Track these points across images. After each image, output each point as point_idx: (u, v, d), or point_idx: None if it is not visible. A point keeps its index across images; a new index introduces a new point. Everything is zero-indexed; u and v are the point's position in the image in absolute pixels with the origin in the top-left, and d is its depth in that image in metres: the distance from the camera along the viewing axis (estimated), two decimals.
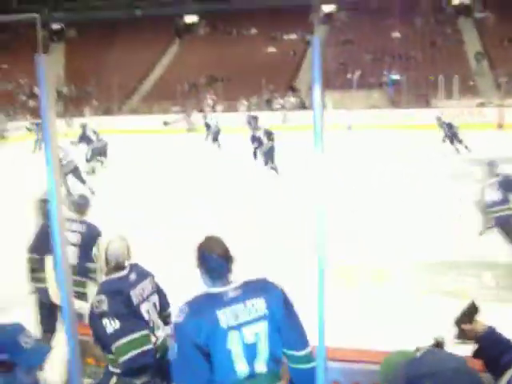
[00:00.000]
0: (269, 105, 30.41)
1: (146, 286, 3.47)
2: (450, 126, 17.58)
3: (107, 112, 32.83)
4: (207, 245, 2.74)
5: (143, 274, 3.52)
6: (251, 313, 2.64)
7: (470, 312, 2.66)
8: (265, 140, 14.47)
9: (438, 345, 2.68)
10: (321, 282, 2.23)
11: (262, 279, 2.79)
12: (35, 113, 30.62)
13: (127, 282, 3.40)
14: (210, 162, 17.58)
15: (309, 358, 2.71)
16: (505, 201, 7.17)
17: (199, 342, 2.55)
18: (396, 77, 29.45)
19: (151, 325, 3.41)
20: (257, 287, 2.74)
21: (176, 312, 2.66)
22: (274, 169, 14.19)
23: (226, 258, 2.72)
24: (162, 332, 3.48)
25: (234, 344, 2.59)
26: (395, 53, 31.87)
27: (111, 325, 3.19)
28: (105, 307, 3.22)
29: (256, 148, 14.82)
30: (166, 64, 38.55)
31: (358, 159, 16.61)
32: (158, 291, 3.61)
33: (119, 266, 3.46)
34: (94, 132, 17.11)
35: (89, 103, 33.90)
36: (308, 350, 2.71)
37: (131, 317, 3.28)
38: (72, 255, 4.53)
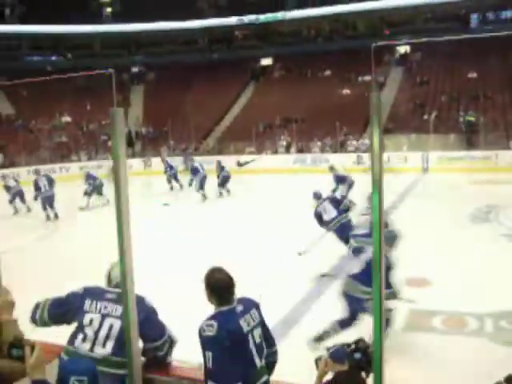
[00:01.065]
0: (343, 146, 30.36)
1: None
2: None
3: (184, 152, 33.52)
4: (215, 274, 3.54)
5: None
6: (254, 320, 3.52)
7: None
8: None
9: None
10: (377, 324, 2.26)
11: (245, 297, 3.63)
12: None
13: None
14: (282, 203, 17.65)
15: (275, 357, 3.74)
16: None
17: (230, 347, 3.31)
18: (473, 117, 28.85)
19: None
20: (248, 302, 3.62)
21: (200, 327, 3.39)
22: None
23: (231, 284, 3.51)
24: None
25: (251, 344, 3.47)
26: (472, 93, 31.31)
27: None
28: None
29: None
30: (242, 105, 39.17)
31: (434, 201, 16.31)
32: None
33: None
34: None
35: (166, 143, 34.76)
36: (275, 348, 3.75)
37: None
38: None
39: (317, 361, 3.63)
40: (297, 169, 28.96)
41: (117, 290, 3.51)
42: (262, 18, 41.44)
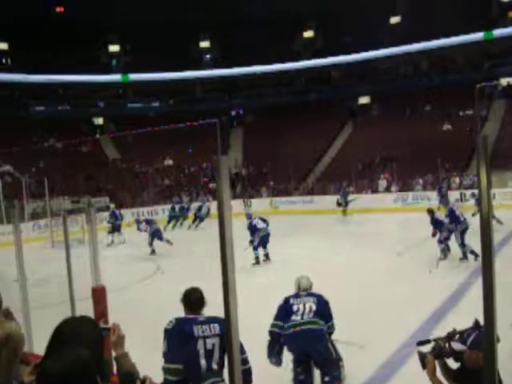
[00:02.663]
0: (445, 183, 29.57)
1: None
2: None
3: (283, 192, 33.74)
4: (191, 291, 4.68)
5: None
6: (211, 331, 4.41)
7: None
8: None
9: None
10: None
11: (216, 316, 4.37)
12: (214, 194, 32.42)
13: None
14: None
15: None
16: None
17: (182, 343, 4.36)
18: None
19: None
20: (214, 319, 4.46)
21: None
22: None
23: (199, 301, 4.61)
24: None
25: (200, 347, 4.35)
26: None
27: None
28: None
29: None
30: (340, 145, 39.11)
31: None
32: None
33: None
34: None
35: (265, 184, 35.12)
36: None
37: None
38: None
39: (423, 357, 3.63)
40: (398, 207, 28.45)
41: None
42: (358, 57, 41.47)
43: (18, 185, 27.19)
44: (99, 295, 5.19)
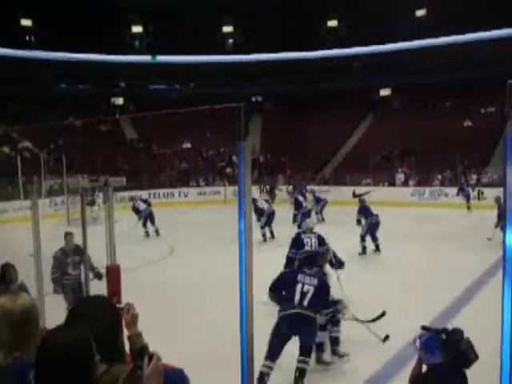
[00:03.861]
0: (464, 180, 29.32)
1: None
2: None
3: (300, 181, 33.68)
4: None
5: None
6: (310, 281, 6.50)
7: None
8: None
9: None
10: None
11: (316, 272, 6.60)
12: (230, 179, 32.47)
13: None
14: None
15: None
16: None
17: (288, 282, 6.60)
18: None
19: None
20: (316, 274, 6.64)
21: None
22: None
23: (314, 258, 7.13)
24: None
25: (299, 288, 6.42)
26: None
27: None
28: None
29: None
30: (359, 136, 38.92)
31: None
32: None
33: None
34: None
35: (282, 172, 35.08)
36: None
37: None
38: None
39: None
40: (414, 202, 28.29)
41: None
42: (381, 48, 41.10)
43: (37, 161, 27.35)
44: (113, 274, 5.20)
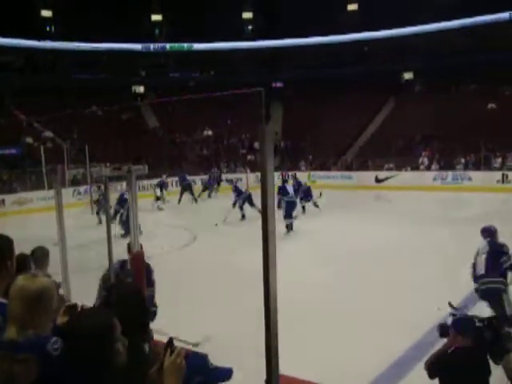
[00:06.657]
0: (487, 164, 28.96)
1: None
2: None
3: (322, 167, 33.56)
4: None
5: None
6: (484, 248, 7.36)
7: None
8: None
9: None
10: None
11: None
12: (251, 166, 32.45)
13: None
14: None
15: None
16: None
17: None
18: None
19: None
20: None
21: None
22: None
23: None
24: None
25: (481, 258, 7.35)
26: None
27: None
28: None
29: None
30: (381, 121, 38.60)
31: None
32: None
33: None
34: None
35: (304, 158, 34.98)
36: None
37: None
38: None
39: (441, 327, 3.49)
40: (437, 186, 28.04)
41: None
42: (403, 31, 40.65)
43: (59, 151, 27.55)
44: (137, 261, 5.20)
